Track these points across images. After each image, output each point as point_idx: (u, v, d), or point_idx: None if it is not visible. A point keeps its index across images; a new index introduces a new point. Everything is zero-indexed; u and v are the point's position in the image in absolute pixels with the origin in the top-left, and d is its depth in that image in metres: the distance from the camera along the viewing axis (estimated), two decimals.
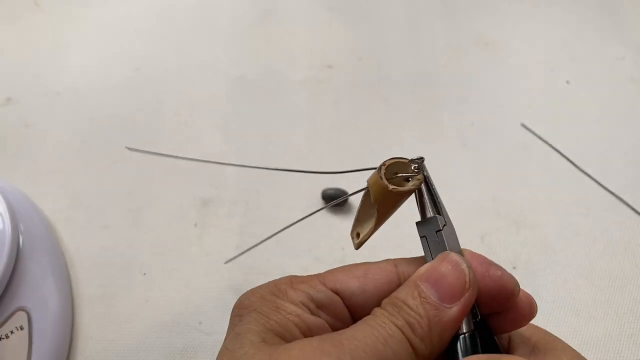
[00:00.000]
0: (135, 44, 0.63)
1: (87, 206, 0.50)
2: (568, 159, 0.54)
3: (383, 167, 0.27)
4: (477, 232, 0.49)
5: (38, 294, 0.41)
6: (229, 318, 0.28)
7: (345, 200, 0.50)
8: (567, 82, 0.61)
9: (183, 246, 0.48)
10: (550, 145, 0.55)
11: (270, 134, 0.56)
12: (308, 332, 0.26)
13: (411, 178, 0.28)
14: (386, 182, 0.27)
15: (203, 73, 0.61)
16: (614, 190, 0.52)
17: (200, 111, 0.57)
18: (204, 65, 0.61)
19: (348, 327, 0.26)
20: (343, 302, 0.27)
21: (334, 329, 0.27)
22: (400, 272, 0.28)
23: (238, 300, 0.28)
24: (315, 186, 0.51)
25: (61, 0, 0.67)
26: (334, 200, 0.47)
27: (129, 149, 0.35)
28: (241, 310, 0.27)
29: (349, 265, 0.29)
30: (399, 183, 0.28)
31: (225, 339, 0.27)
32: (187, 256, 0.47)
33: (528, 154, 0.55)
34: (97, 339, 0.43)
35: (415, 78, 0.61)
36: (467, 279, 0.25)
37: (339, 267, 0.28)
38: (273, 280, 0.28)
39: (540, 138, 0.56)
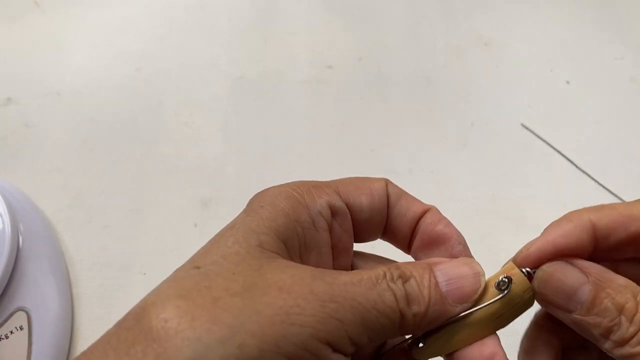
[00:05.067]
0: (136, 44, 0.63)
1: (87, 206, 0.50)
2: (568, 159, 0.54)
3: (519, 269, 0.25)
4: (477, 232, 0.49)
5: (38, 294, 0.41)
6: None
7: None
8: (567, 82, 0.61)
9: (183, 246, 0.48)
10: (550, 145, 0.55)
11: (270, 134, 0.56)
12: (311, 244, 0.26)
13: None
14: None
15: (203, 73, 0.61)
16: (613, 190, 0.52)
17: (200, 111, 0.57)
18: (204, 65, 0.61)
19: (345, 254, 0.27)
20: (351, 216, 0.27)
21: (335, 244, 0.27)
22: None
23: (258, 193, 0.27)
24: None
25: (61, 0, 0.67)
26: None
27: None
28: (253, 203, 0.26)
29: (350, 178, 0.28)
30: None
31: (223, 229, 0.25)
32: (187, 256, 0.46)
33: (528, 154, 0.55)
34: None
35: (415, 78, 0.61)
36: (479, 291, 0.25)
37: (342, 180, 0.28)
38: (290, 183, 0.27)
39: (540, 138, 0.56)
